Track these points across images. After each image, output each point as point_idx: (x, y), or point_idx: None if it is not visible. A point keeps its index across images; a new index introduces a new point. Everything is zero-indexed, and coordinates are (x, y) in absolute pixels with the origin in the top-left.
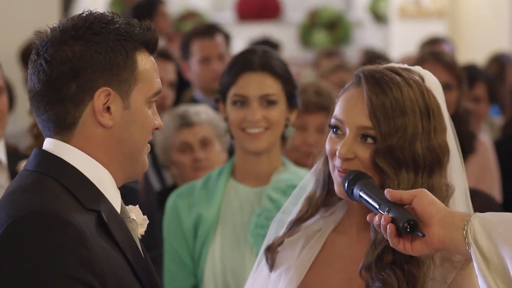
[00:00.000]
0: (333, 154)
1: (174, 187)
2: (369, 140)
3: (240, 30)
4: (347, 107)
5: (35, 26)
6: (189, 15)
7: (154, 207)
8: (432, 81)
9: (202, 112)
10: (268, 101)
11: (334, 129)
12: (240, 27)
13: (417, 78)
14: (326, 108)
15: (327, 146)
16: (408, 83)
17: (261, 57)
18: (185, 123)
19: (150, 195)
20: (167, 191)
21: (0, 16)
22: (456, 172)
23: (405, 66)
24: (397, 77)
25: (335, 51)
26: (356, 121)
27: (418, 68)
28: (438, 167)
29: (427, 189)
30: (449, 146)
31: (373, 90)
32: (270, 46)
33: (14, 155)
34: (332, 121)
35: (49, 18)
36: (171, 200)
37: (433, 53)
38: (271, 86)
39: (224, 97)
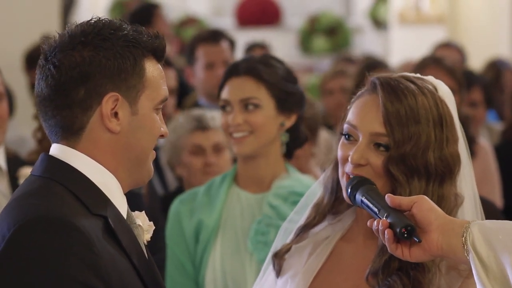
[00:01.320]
0: (345, 160)
1: (177, 192)
2: (382, 148)
3: (240, 36)
4: (361, 113)
5: (35, 31)
6: (189, 20)
7: (158, 212)
8: (445, 91)
9: (218, 118)
10: (249, 105)
11: (347, 135)
12: (240, 33)
13: (430, 87)
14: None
15: (339, 152)
16: (423, 92)
17: (250, 62)
18: (201, 126)
19: (154, 201)
20: (169, 196)
21: (0, 21)
22: (466, 182)
23: (418, 75)
24: (412, 86)
25: (352, 57)
26: (370, 127)
27: (430, 78)
28: (449, 177)
29: (437, 198)
30: (460, 157)
31: (389, 97)
32: (261, 49)
33: (14, 161)
34: (345, 126)
35: (49, 23)
36: (174, 206)
37: (434, 58)
38: (253, 90)
39: None
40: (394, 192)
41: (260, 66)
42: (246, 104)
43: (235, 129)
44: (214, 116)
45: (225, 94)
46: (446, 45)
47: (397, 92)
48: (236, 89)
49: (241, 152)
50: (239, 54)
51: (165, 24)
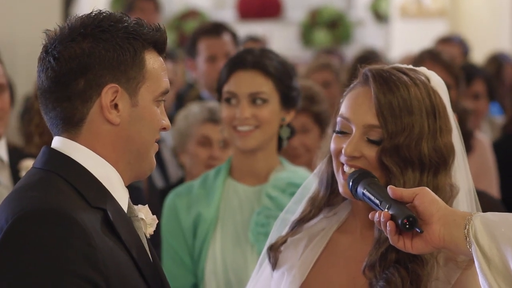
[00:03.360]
0: (338, 153)
1: (178, 184)
2: (375, 140)
3: (241, 29)
4: (354, 105)
5: (36, 24)
6: (190, 13)
7: (157, 206)
8: (438, 82)
9: None
10: (257, 99)
11: (340, 128)
12: (241, 26)
13: (423, 78)
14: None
15: (332, 145)
16: (415, 83)
17: (255, 56)
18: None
19: (154, 195)
20: (170, 188)
21: (1, 15)
22: (461, 173)
23: (411, 66)
24: (404, 77)
25: (333, 49)
26: (363, 120)
27: (423, 69)
28: (443, 167)
29: (432, 189)
30: (454, 147)
31: (381, 88)
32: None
33: (15, 153)
34: (338, 119)
35: (50, 16)
36: (170, 200)
37: (431, 52)
38: (261, 84)
39: (220, 95)
40: (389, 184)
41: (266, 60)
42: (254, 99)
43: (242, 123)
44: None
45: (231, 87)
46: (448, 40)
47: (389, 84)
48: (244, 83)
49: (246, 146)
50: (241, 47)
51: (150, 17)
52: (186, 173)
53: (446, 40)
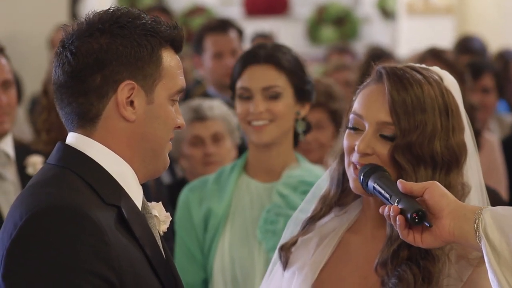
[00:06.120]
0: (351, 150)
1: (182, 181)
2: (388, 136)
3: (248, 26)
4: (367, 102)
5: (44, 21)
6: (197, 10)
7: (165, 203)
8: (450, 81)
9: (216, 107)
10: (271, 94)
11: (353, 125)
12: (248, 23)
13: (436, 77)
14: (322, 104)
15: (345, 142)
16: (429, 81)
17: (268, 50)
18: (199, 116)
19: (161, 191)
20: (177, 184)
21: (9, 13)
22: (473, 172)
23: (424, 66)
24: (418, 75)
25: (345, 47)
26: (376, 117)
27: (436, 68)
28: (455, 166)
29: (444, 187)
30: (466, 146)
31: (395, 86)
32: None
33: (22, 149)
34: (351, 117)
35: (57, 13)
36: (183, 194)
37: (432, 51)
38: (274, 78)
39: (234, 91)
40: None
41: (279, 54)
42: (268, 93)
43: (256, 117)
44: (212, 106)
45: (244, 82)
46: (466, 40)
47: (403, 81)
48: (257, 77)
49: (261, 141)
50: (246, 44)
51: None
52: (186, 175)
53: (466, 40)
